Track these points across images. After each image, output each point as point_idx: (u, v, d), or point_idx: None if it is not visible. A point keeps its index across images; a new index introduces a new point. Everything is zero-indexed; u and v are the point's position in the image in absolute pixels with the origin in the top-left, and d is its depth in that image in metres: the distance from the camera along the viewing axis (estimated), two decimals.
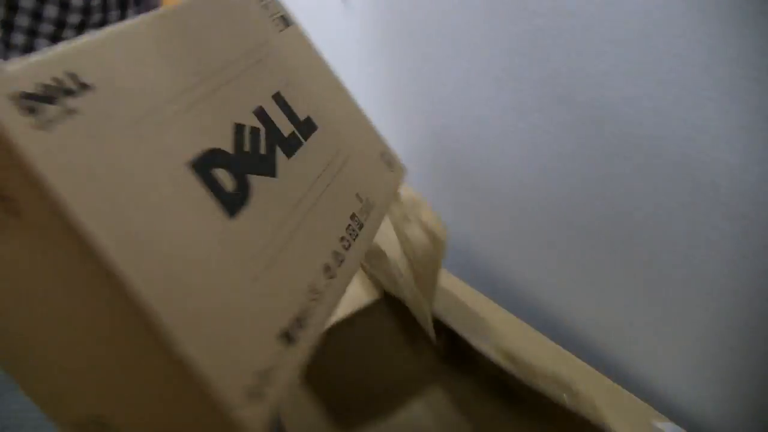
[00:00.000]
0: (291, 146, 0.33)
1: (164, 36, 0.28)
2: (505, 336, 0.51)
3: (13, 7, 0.48)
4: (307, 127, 0.35)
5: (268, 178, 0.30)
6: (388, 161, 0.42)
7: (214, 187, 0.26)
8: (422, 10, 0.69)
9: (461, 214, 0.76)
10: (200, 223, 0.25)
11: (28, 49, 0.56)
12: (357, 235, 0.34)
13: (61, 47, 0.23)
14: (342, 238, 0.33)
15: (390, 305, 0.56)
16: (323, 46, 0.45)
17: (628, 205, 0.51)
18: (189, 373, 0.22)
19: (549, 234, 0.62)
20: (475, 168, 0.70)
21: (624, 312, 0.55)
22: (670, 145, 0.45)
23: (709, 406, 0.49)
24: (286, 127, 0.33)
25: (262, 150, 0.31)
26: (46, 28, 0.51)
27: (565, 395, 0.43)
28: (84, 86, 0.23)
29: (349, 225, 0.34)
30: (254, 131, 0.31)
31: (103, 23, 0.63)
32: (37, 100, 0.21)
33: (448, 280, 0.60)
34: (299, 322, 0.27)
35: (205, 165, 0.26)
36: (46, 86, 0.22)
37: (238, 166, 0.28)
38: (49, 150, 0.21)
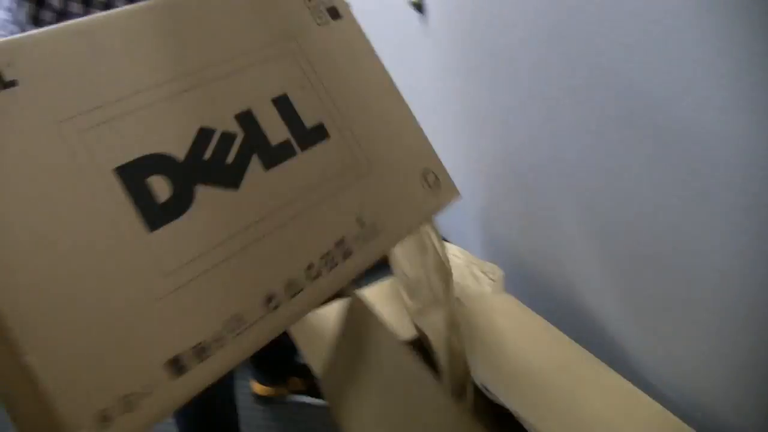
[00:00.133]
0: (275, 156, 0.30)
1: (139, 30, 0.28)
2: None
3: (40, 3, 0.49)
4: (311, 136, 0.32)
5: (224, 190, 0.28)
6: (432, 181, 0.37)
7: (141, 195, 0.25)
8: (505, 38, 0.68)
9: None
10: (104, 233, 0.24)
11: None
12: (336, 264, 0.31)
13: (2, 39, 0.24)
14: (310, 266, 0.30)
15: None
16: (395, 61, 0.41)
17: None
18: (34, 384, 0.22)
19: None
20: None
21: None
22: None
23: None
24: (277, 135, 0.31)
25: (230, 159, 0.29)
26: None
27: None
28: (6, 83, 0.23)
29: (329, 252, 0.31)
30: (225, 137, 0.29)
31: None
32: None
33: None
34: (201, 351, 0.25)
35: (137, 171, 0.26)
36: None
37: (184, 175, 0.27)
38: None
